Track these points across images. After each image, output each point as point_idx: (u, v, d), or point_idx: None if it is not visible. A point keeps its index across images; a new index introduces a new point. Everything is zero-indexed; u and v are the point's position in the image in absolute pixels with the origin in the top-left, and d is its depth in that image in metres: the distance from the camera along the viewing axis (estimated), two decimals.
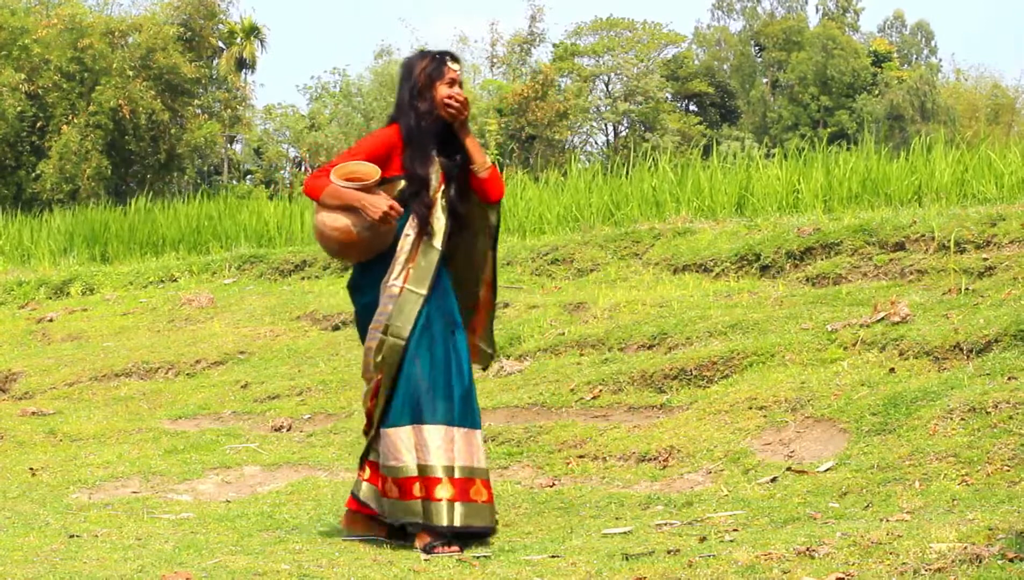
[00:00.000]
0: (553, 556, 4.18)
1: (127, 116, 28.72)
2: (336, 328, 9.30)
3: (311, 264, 11.75)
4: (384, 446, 4.46)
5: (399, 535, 4.53)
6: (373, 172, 4.53)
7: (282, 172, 46.29)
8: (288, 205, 15.52)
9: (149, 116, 29.23)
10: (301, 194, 20.05)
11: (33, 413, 7.86)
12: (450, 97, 4.56)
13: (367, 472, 4.61)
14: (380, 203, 4.47)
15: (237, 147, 46.39)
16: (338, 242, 4.55)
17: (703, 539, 4.16)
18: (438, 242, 4.58)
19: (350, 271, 4.85)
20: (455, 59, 4.65)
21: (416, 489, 4.38)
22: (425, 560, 4.20)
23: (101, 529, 4.99)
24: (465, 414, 4.47)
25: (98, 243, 15.46)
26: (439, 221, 4.59)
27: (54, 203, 26.34)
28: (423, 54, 4.68)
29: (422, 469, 4.38)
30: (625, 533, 4.49)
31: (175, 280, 12.30)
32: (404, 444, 4.40)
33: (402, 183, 4.57)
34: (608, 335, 7.40)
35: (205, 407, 7.71)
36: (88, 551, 4.43)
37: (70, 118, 28.62)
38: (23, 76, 28.24)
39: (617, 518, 4.75)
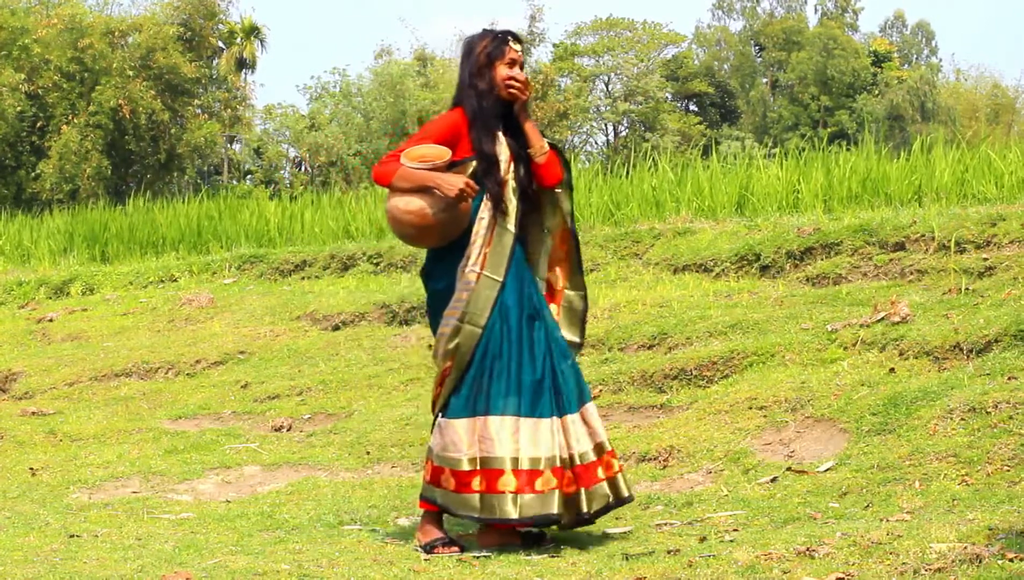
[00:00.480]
0: (553, 556, 4.19)
1: (127, 116, 28.70)
2: (336, 328, 9.30)
3: (311, 264, 11.75)
4: (444, 436, 4.37)
5: (534, 540, 4.43)
6: (443, 153, 4.42)
7: (282, 172, 46.24)
8: (288, 205, 15.50)
9: (149, 116, 29.21)
10: (302, 194, 20.04)
11: (33, 413, 7.86)
12: (511, 78, 4.47)
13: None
14: (455, 180, 4.35)
15: (237, 147, 46.38)
16: (413, 226, 4.41)
17: (703, 539, 4.16)
18: (511, 224, 4.47)
19: (422, 261, 4.67)
20: (517, 39, 4.54)
21: (475, 483, 4.29)
22: (425, 560, 4.20)
23: (101, 529, 4.99)
24: (535, 404, 4.34)
25: (98, 243, 15.44)
26: (511, 202, 4.49)
27: (54, 203, 26.35)
28: (484, 33, 4.58)
29: (484, 462, 4.29)
30: (625, 533, 4.50)
31: (175, 280, 12.29)
32: (466, 436, 4.32)
33: (473, 165, 4.46)
34: (608, 335, 7.40)
35: (205, 407, 7.71)
36: (88, 551, 4.43)
37: (70, 118, 28.60)
38: (23, 76, 28.22)
39: (617, 518, 4.75)
